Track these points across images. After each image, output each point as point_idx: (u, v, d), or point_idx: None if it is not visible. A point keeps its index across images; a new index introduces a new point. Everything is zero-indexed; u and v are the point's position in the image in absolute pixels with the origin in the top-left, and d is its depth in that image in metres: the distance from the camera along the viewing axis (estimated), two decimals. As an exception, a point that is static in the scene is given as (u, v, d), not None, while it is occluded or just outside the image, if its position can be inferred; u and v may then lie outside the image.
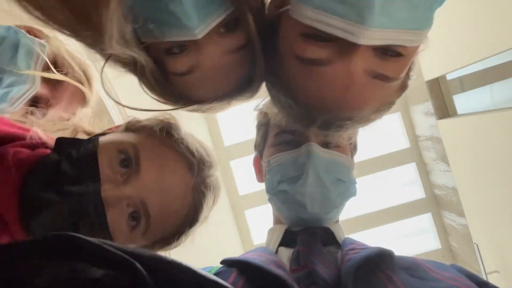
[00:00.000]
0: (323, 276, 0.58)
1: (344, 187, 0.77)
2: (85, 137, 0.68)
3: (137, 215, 0.57)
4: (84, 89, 0.88)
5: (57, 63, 0.82)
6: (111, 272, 0.38)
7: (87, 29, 0.44)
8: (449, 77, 1.91)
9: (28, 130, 0.65)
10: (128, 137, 0.62)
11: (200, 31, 0.51)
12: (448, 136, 1.91)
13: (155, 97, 0.62)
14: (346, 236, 0.80)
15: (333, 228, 0.79)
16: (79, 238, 0.40)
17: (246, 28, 0.56)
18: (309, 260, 0.63)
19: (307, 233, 0.74)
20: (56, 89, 0.83)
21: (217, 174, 0.69)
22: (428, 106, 1.99)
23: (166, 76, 0.58)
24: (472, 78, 1.79)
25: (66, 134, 0.69)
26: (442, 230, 2.27)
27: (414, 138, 2.27)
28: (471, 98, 1.87)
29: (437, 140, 2.01)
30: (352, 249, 0.65)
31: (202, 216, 0.66)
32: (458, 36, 1.56)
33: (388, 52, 0.49)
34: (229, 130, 2.51)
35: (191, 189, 0.63)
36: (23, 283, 0.33)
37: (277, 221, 0.86)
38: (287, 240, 0.77)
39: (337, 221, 0.84)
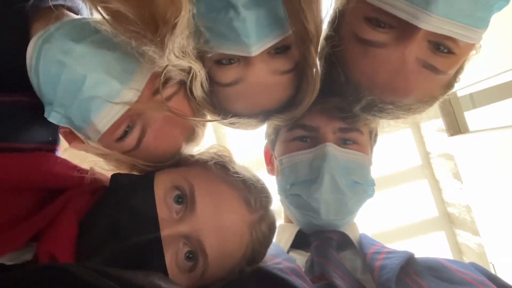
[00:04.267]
0: None
1: (361, 190, 0.73)
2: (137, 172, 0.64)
3: (193, 255, 0.54)
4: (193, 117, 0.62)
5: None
6: None
7: (152, 41, 0.48)
8: (459, 93, 1.90)
9: (87, 172, 0.61)
10: (182, 172, 0.59)
11: (256, 49, 0.53)
12: (460, 153, 1.88)
13: (199, 105, 0.62)
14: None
15: (349, 232, 0.74)
16: (75, 267, 0.38)
17: (296, 54, 0.58)
18: (325, 270, 0.61)
19: (322, 240, 0.69)
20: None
21: (273, 209, 0.65)
22: (439, 122, 1.98)
23: (212, 86, 0.60)
24: (483, 94, 1.78)
25: (123, 169, 0.64)
26: (456, 249, 2.21)
27: (425, 155, 2.25)
28: (482, 114, 1.85)
29: (448, 157, 1.99)
30: (378, 253, 0.63)
31: (260, 255, 0.62)
32: (468, 53, 1.55)
33: (440, 47, 0.52)
34: (237, 147, 2.51)
35: (248, 226, 0.58)
36: None
37: (287, 219, 0.81)
38: (299, 241, 0.74)
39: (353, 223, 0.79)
